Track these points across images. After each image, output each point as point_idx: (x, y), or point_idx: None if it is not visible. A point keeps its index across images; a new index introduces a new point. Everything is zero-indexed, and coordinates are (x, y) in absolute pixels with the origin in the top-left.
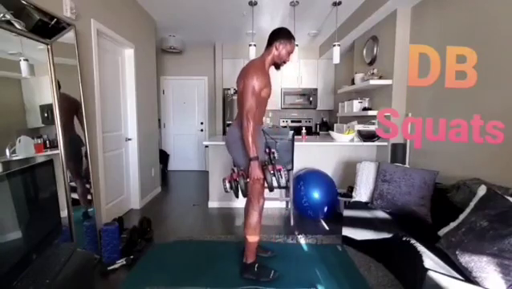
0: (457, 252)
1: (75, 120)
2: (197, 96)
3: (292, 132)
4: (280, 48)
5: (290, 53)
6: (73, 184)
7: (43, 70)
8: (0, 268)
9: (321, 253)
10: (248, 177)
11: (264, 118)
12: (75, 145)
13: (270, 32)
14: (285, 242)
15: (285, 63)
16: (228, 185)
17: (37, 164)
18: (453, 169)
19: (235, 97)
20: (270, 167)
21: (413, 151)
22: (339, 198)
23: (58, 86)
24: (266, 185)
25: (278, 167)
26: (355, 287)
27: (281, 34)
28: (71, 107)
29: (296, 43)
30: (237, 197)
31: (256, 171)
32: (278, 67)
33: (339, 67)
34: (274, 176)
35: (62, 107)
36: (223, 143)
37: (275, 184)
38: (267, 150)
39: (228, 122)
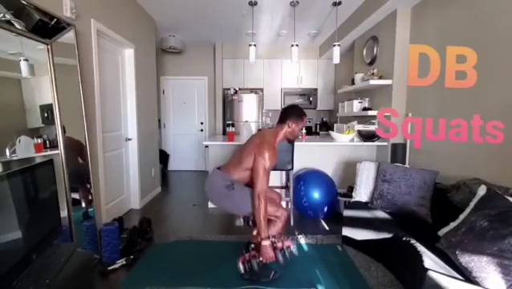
0: (457, 252)
1: (79, 159)
2: (197, 96)
3: None
4: (293, 126)
5: (301, 129)
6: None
7: (43, 70)
8: (0, 268)
9: (321, 253)
10: (260, 257)
11: (264, 118)
12: (79, 175)
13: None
14: (284, 239)
15: (297, 137)
16: (242, 267)
17: (37, 164)
18: (453, 169)
19: (235, 97)
20: (279, 245)
21: (413, 151)
22: (339, 198)
23: (64, 130)
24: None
25: (287, 244)
26: (355, 287)
27: (293, 114)
28: (75, 149)
29: (296, 43)
30: (250, 279)
31: (268, 253)
32: (290, 141)
33: (339, 67)
34: (285, 252)
35: (67, 150)
36: (223, 143)
37: (281, 260)
38: (280, 247)
39: (228, 122)
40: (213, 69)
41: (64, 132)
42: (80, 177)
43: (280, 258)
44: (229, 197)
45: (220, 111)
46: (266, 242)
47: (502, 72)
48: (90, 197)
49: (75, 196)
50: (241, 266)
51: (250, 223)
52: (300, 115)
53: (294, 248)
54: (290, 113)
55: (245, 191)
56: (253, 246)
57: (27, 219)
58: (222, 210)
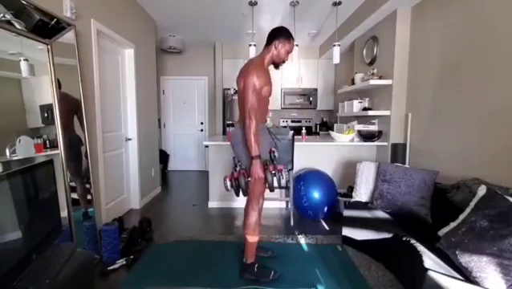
0: (457, 252)
1: (75, 120)
2: (197, 96)
3: (292, 132)
4: (279, 47)
5: (289, 52)
6: (73, 184)
7: (43, 70)
8: (0, 268)
9: (321, 253)
10: (249, 176)
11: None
12: (74, 145)
13: (269, 31)
14: (285, 242)
15: (284, 62)
16: (229, 184)
17: (37, 164)
18: (453, 169)
19: (235, 97)
20: (271, 167)
21: (413, 151)
22: (339, 198)
23: (59, 85)
24: (266, 184)
25: (279, 167)
26: (355, 287)
27: (280, 34)
28: (71, 107)
29: (296, 43)
30: (237, 195)
31: (257, 170)
32: (277, 66)
33: (339, 67)
34: (275, 176)
35: (63, 107)
36: (223, 143)
37: (276, 184)
38: (271, 170)
39: (228, 122)
40: (213, 69)
41: (59, 87)
42: (75, 146)
43: (270, 178)
44: (243, 148)
45: (220, 111)
46: (255, 159)
47: (502, 72)
48: (90, 197)
49: (75, 196)
50: (228, 183)
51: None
52: (288, 36)
53: (285, 172)
54: (277, 34)
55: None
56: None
57: (27, 219)
58: (245, 162)
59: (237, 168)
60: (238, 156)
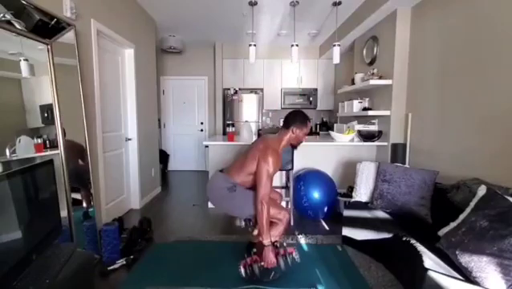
0: (457, 252)
1: (80, 161)
2: (197, 96)
3: None
4: (297, 132)
5: (306, 134)
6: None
7: (43, 70)
8: (0, 268)
9: (321, 253)
10: (261, 261)
11: (264, 118)
12: (81, 174)
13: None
14: (285, 242)
15: (301, 143)
16: (243, 271)
17: (37, 164)
18: (453, 169)
19: (235, 97)
20: (281, 251)
21: (413, 151)
22: (339, 198)
23: (64, 133)
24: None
25: (289, 250)
26: (355, 287)
27: (297, 120)
28: (76, 153)
29: (296, 43)
30: (253, 282)
31: (270, 257)
32: (294, 146)
33: (339, 67)
34: (287, 258)
35: (69, 154)
36: (223, 143)
37: (283, 266)
38: (282, 253)
39: (228, 122)
40: (213, 69)
41: (64, 134)
42: (81, 178)
43: (282, 263)
44: (231, 199)
45: (220, 111)
46: (268, 247)
47: (502, 72)
48: (90, 197)
49: (75, 196)
50: (242, 270)
51: (251, 223)
52: (304, 120)
53: (296, 254)
54: (293, 119)
55: (246, 193)
56: (255, 250)
57: (27, 219)
58: (223, 212)
59: (250, 255)
60: (226, 208)
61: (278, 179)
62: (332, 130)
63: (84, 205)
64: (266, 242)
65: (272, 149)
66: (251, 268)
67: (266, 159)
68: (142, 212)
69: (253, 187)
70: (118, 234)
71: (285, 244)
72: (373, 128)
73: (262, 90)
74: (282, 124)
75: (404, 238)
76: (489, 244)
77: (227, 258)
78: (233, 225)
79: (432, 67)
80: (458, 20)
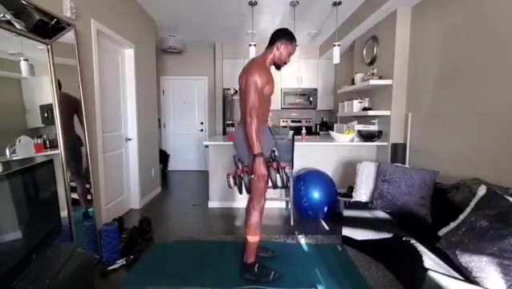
0: (457, 252)
1: (75, 120)
2: (197, 96)
3: (292, 132)
4: (281, 49)
5: (290, 54)
6: (73, 184)
7: (43, 70)
8: (0, 268)
9: (321, 253)
10: (252, 174)
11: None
12: (74, 145)
13: (271, 32)
14: (285, 242)
15: (285, 63)
16: (232, 181)
17: (37, 164)
18: (453, 169)
19: (235, 97)
20: (274, 164)
21: (413, 151)
22: (339, 198)
23: (59, 85)
24: (270, 183)
25: (282, 164)
26: (355, 287)
27: (283, 35)
28: (71, 106)
29: (296, 43)
30: (240, 193)
31: (260, 168)
32: (278, 67)
33: (339, 67)
34: (279, 173)
35: (63, 107)
36: (223, 143)
37: (279, 183)
38: (275, 167)
39: (228, 122)
40: (213, 69)
41: (60, 87)
42: (76, 144)
43: (273, 175)
44: (244, 146)
45: (220, 112)
46: (258, 157)
47: (502, 72)
48: (90, 197)
49: (75, 196)
50: (231, 180)
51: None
52: (290, 38)
53: (289, 169)
54: (279, 35)
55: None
56: (246, 163)
57: (27, 219)
58: (247, 161)
59: (240, 166)
60: (240, 156)
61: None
62: (332, 130)
63: (79, 199)
64: (257, 153)
65: (256, 64)
66: (240, 179)
67: (250, 73)
68: (142, 212)
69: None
70: (118, 234)
71: (277, 158)
72: (373, 128)
73: None
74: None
75: (404, 238)
76: (489, 244)
77: (227, 258)
78: (233, 225)
79: (432, 67)
80: (458, 20)
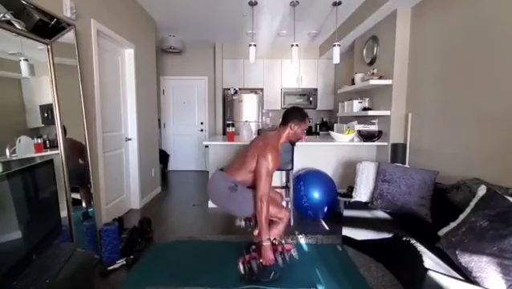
0: (457, 252)
1: (79, 161)
2: (197, 96)
3: None
4: (295, 129)
5: (304, 131)
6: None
7: (43, 70)
8: (0, 268)
9: (321, 253)
10: (260, 258)
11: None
12: (81, 173)
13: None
14: (285, 242)
15: (300, 139)
16: (241, 267)
17: (37, 164)
18: (453, 169)
19: (235, 97)
20: (279, 248)
21: (413, 151)
22: (339, 198)
23: (65, 131)
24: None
25: (287, 247)
26: (355, 287)
27: (296, 116)
28: (76, 150)
29: (296, 43)
30: (251, 278)
31: (268, 255)
32: (293, 143)
33: (339, 67)
34: (284, 256)
35: (69, 152)
36: (223, 143)
37: (281, 263)
38: (280, 250)
39: (228, 122)
40: (213, 69)
41: (65, 133)
42: (81, 177)
43: (280, 261)
44: (232, 199)
45: (220, 111)
46: (266, 244)
47: (502, 72)
48: (90, 197)
49: (75, 196)
50: (241, 267)
51: (251, 223)
52: (302, 117)
53: (294, 252)
54: (292, 115)
55: (247, 193)
56: (254, 247)
57: (27, 219)
58: (224, 211)
59: (249, 253)
60: (227, 208)
61: (278, 179)
62: (332, 130)
63: (84, 205)
64: (265, 239)
65: (271, 146)
66: (250, 265)
67: (265, 156)
68: (142, 212)
69: (254, 185)
70: (118, 234)
71: (283, 241)
72: (373, 128)
73: (261, 90)
74: (280, 120)
75: (404, 238)
76: (489, 244)
77: (227, 258)
78: (233, 225)
79: (432, 67)
80: (458, 20)
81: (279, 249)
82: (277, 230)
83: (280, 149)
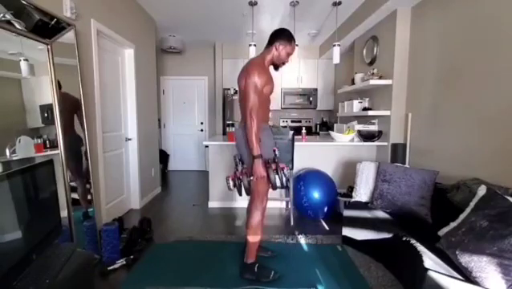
0: (457, 252)
1: (75, 120)
2: (197, 96)
3: (292, 132)
4: (280, 49)
5: (289, 54)
6: (73, 184)
7: (43, 70)
8: (0, 268)
9: (321, 253)
10: (251, 175)
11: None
12: (74, 145)
13: (270, 32)
14: (285, 242)
15: (284, 64)
16: (231, 183)
17: (37, 164)
18: (453, 169)
19: (235, 97)
20: (273, 165)
21: (413, 151)
22: (339, 198)
23: (59, 86)
24: (270, 184)
25: (281, 165)
26: (355, 287)
27: (281, 35)
28: (71, 106)
29: (296, 43)
30: (240, 194)
31: (259, 169)
32: (276, 67)
33: (339, 67)
34: (278, 174)
35: (63, 106)
36: (223, 143)
37: (278, 183)
38: (274, 168)
39: (228, 122)
40: (213, 69)
41: (60, 87)
42: (76, 148)
43: (272, 177)
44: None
45: (220, 111)
46: (257, 158)
47: (502, 72)
48: (90, 197)
49: (75, 196)
50: (230, 182)
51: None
52: (289, 38)
53: (287, 171)
54: (278, 35)
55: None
56: (245, 165)
57: (27, 219)
58: (248, 162)
59: (239, 168)
60: (242, 155)
61: (277, 180)
62: (332, 130)
63: (79, 200)
64: (256, 155)
65: (255, 64)
66: (240, 181)
67: (250, 74)
68: (142, 212)
69: (264, 118)
70: (118, 234)
71: (276, 159)
72: (373, 128)
73: None
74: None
75: (404, 238)
76: (489, 244)
77: (227, 258)
78: (233, 225)
79: (432, 67)
80: (458, 20)
81: (273, 166)
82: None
83: (268, 68)
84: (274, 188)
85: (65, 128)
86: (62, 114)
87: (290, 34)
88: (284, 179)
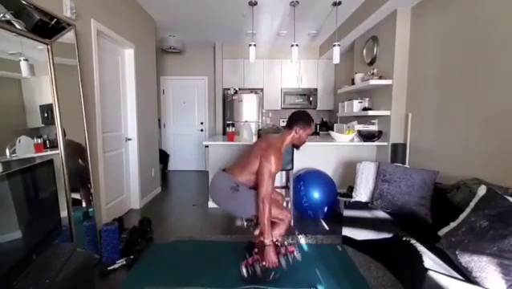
0: (457, 252)
1: (80, 161)
2: (197, 96)
3: None
4: (300, 132)
5: (308, 135)
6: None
7: (43, 70)
8: (0, 268)
9: (321, 253)
10: (263, 261)
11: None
12: (81, 174)
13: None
14: (288, 243)
15: (304, 143)
16: (244, 271)
17: (37, 164)
18: (453, 169)
19: (235, 97)
20: (282, 249)
21: (413, 151)
22: (339, 198)
23: (64, 133)
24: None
25: (290, 249)
26: (355, 287)
27: (301, 121)
28: (76, 152)
29: (296, 43)
30: (253, 282)
31: (271, 257)
32: (297, 147)
33: (339, 67)
34: (287, 257)
35: (69, 152)
36: (223, 143)
37: (285, 266)
38: (283, 252)
39: (228, 122)
40: (213, 69)
41: (65, 134)
42: (81, 178)
43: (283, 263)
44: (234, 199)
45: (220, 111)
46: (269, 247)
47: (502, 72)
48: (90, 197)
49: (75, 196)
50: (244, 270)
51: (252, 223)
52: (308, 121)
53: (297, 253)
54: (297, 119)
55: (249, 193)
56: (256, 250)
57: (27, 219)
58: (225, 211)
59: (251, 256)
60: (229, 209)
61: (279, 179)
62: (332, 130)
63: (83, 204)
64: (268, 241)
65: (274, 148)
66: (253, 268)
67: (268, 158)
68: (142, 212)
69: (256, 186)
70: (118, 234)
71: (286, 243)
72: (373, 128)
73: (261, 90)
74: (285, 123)
75: (404, 238)
76: (489, 244)
77: (227, 258)
78: (233, 225)
79: (432, 67)
80: (458, 20)
81: (282, 251)
82: (278, 232)
83: (283, 152)
84: (281, 267)
85: (70, 169)
86: (69, 158)
87: (310, 117)
88: (291, 260)
